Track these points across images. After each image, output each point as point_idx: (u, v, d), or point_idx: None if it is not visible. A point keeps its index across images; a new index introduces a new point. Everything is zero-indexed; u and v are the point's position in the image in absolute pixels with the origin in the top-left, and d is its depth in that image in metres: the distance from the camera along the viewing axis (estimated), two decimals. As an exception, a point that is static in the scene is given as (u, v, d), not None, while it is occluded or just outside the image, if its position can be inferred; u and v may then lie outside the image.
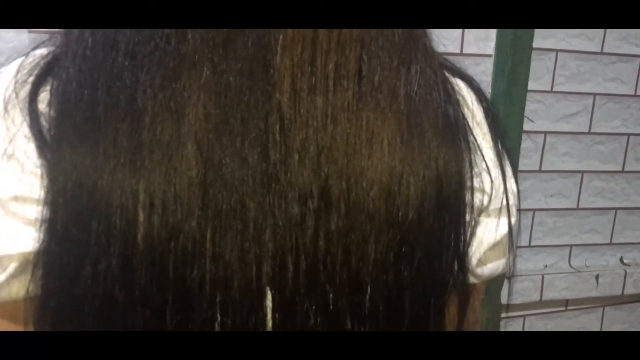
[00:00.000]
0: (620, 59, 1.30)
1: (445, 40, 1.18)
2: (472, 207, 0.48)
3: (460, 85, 0.52)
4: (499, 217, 0.50)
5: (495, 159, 0.51)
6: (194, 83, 0.39)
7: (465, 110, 0.50)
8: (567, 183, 1.35)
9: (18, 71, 0.43)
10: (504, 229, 0.51)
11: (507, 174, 0.51)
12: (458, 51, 1.20)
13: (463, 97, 0.51)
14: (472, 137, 0.49)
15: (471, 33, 1.20)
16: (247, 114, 0.39)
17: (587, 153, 1.34)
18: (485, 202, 0.49)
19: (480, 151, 0.50)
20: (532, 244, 1.36)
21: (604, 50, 1.28)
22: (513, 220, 0.51)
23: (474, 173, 0.48)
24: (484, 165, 0.49)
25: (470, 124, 0.50)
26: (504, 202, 0.50)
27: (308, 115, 0.40)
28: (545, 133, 1.30)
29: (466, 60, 1.21)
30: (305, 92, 0.40)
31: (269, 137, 0.40)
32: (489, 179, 0.49)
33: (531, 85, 1.24)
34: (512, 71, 1.20)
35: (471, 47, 1.20)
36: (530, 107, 1.26)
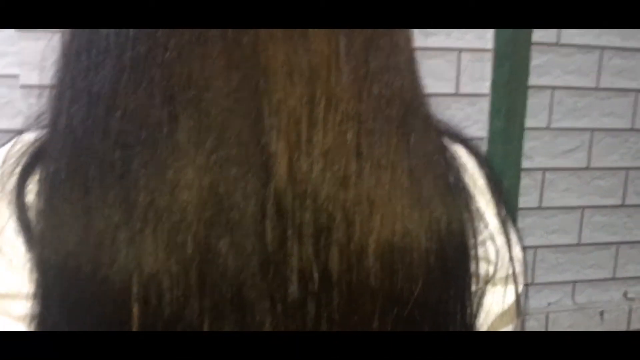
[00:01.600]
0: (616, 94, 1.29)
1: (441, 80, 1.18)
2: (477, 277, 0.47)
3: (460, 152, 0.51)
4: (506, 286, 0.49)
5: (500, 226, 0.50)
6: (188, 171, 0.37)
7: (467, 178, 0.49)
8: (567, 219, 1.33)
9: (4, 161, 0.41)
10: (511, 297, 0.49)
11: (512, 240, 0.50)
12: (454, 91, 1.19)
13: (464, 164, 0.50)
14: (474, 205, 0.48)
15: (466, 73, 1.19)
16: (243, 201, 0.38)
17: (587, 188, 1.33)
18: (491, 272, 0.48)
19: (484, 219, 0.48)
20: (535, 281, 1.34)
21: (600, 86, 1.28)
22: (520, 287, 0.50)
23: (478, 242, 0.47)
24: (488, 233, 0.48)
25: (472, 191, 0.49)
26: (510, 270, 0.49)
27: (306, 196, 0.39)
28: (544, 170, 1.29)
29: (462, 100, 1.20)
30: (302, 174, 0.39)
31: (266, 223, 0.38)
32: (493, 247, 0.48)
33: (528, 123, 1.23)
34: (509, 110, 1.20)
35: (467, 87, 1.20)
36: (528, 144, 1.25)
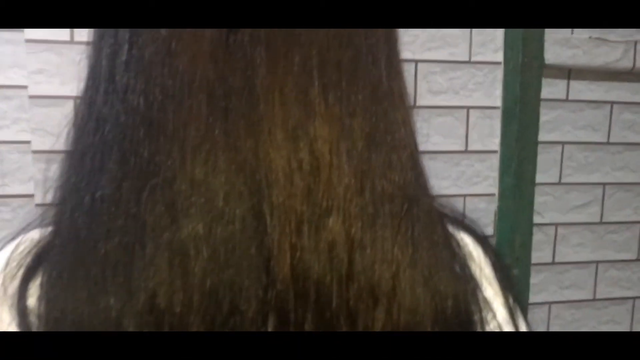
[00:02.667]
0: (627, 148, 1.29)
1: (450, 137, 1.18)
2: None
3: (465, 240, 0.50)
4: None
5: (508, 316, 0.49)
6: (189, 274, 0.37)
7: (474, 267, 0.48)
8: (582, 274, 1.31)
9: (7, 263, 0.41)
10: None
11: (520, 330, 0.49)
12: (463, 148, 1.19)
13: (470, 252, 0.49)
14: (482, 295, 0.47)
15: (475, 130, 1.19)
16: (245, 304, 0.38)
17: (600, 243, 1.31)
18: None
19: (492, 309, 0.48)
20: (550, 338, 1.31)
21: (611, 140, 1.27)
22: None
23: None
24: (496, 323, 0.47)
25: (480, 280, 0.48)
26: None
27: (308, 296, 0.39)
28: (557, 225, 1.28)
29: (472, 156, 1.20)
30: (305, 271, 0.39)
31: (268, 325, 0.38)
32: None
33: (539, 178, 1.22)
34: (519, 166, 1.19)
35: (476, 143, 1.20)
36: (539, 199, 1.24)
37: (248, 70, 0.39)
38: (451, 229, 0.49)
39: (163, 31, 0.39)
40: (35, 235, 0.44)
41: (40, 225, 0.45)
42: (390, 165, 0.43)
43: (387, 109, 0.43)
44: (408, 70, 1.14)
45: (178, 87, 0.39)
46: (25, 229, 0.45)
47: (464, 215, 0.54)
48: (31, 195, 0.98)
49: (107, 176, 0.39)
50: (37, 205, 0.98)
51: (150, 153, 0.39)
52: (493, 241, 1.24)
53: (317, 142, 0.40)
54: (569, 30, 1.20)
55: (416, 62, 1.14)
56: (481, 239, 0.52)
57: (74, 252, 0.39)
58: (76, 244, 0.40)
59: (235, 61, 0.39)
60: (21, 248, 0.43)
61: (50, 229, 0.43)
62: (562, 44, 1.18)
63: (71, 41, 0.96)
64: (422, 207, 0.45)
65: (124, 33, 0.40)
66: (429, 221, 0.45)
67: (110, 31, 0.41)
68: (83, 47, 0.95)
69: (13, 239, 0.45)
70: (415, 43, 1.14)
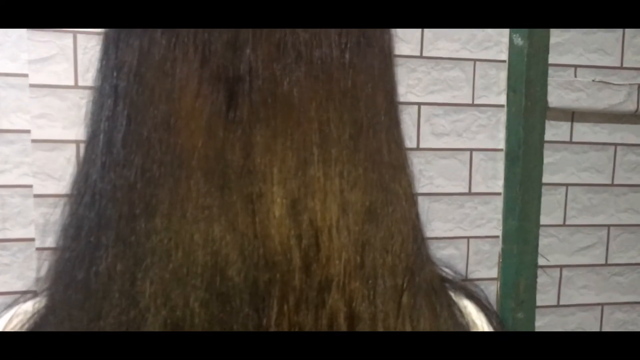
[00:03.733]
0: (631, 190, 1.28)
1: (454, 180, 1.18)
2: None
3: (468, 308, 0.49)
4: None
5: None
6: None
7: None
8: (587, 317, 1.30)
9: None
10: None
11: None
12: (467, 191, 1.19)
13: (473, 321, 0.48)
14: None
15: (479, 172, 1.19)
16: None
17: (605, 285, 1.29)
18: None
19: None
20: (556, 382, 1.29)
21: (615, 182, 1.27)
22: None
23: None
24: None
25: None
26: None
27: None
28: (561, 267, 1.26)
29: (475, 199, 1.19)
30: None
31: None
32: None
33: (543, 220, 1.21)
34: (523, 209, 1.18)
35: (479, 186, 1.19)
36: (543, 241, 1.23)
37: (247, 148, 0.38)
38: (454, 296, 0.49)
39: (162, 106, 0.38)
40: (29, 307, 0.43)
41: (34, 297, 0.44)
42: (392, 238, 0.42)
43: (387, 181, 0.43)
44: (411, 113, 1.14)
45: (176, 163, 0.38)
46: (18, 300, 0.44)
47: (466, 279, 0.53)
48: (32, 239, 0.97)
49: (102, 253, 0.39)
50: (38, 249, 0.97)
51: (147, 231, 0.38)
52: (497, 284, 1.22)
53: (317, 218, 0.39)
54: (572, 73, 1.20)
55: (419, 104, 1.14)
56: (484, 306, 0.51)
57: (68, 327, 0.39)
58: (70, 323, 0.39)
59: (234, 138, 0.38)
60: (15, 322, 0.42)
61: (44, 301, 0.42)
62: (565, 87, 1.18)
63: (75, 86, 0.96)
64: (423, 277, 0.44)
65: (123, 108, 0.40)
66: (431, 291, 0.44)
67: (109, 103, 0.40)
68: (87, 91, 0.95)
69: (7, 309, 0.44)
70: (418, 86, 1.14)
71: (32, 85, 0.95)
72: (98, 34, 0.95)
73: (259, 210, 0.38)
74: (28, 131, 0.96)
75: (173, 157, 0.38)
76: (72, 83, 0.96)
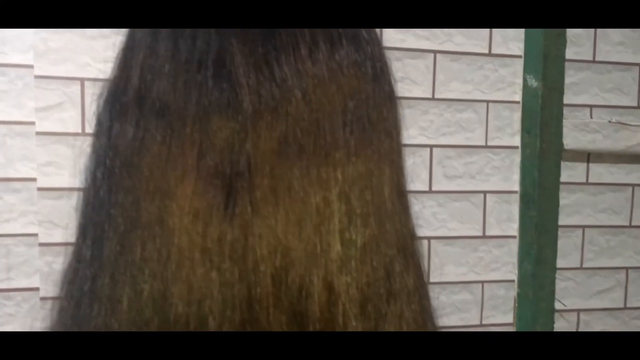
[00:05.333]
0: (650, 231, 1.25)
1: (467, 223, 1.15)
2: None
3: None
4: None
5: None
6: None
7: None
8: (606, 362, 1.25)
9: None
10: None
11: None
12: (481, 234, 1.16)
13: None
14: None
15: (493, 215, 1.16)
16: None
17: (625, 329, 1.26)
18: None
19: None
20: None
21: (633, 223, 1.24)
22: None
23: None
24: None
25: None
26: None
27: None
28: (579, 311, 1.23)
29: (489, 242, 1.16)
30: None
31: None
32: None
33: (559, 263, 1.18)
34: (539, 252, 1.15)
35: (494, 229, 1.16)
36: (560, 285, 1.20)
37: (248, 238, 0.36)
38: None
39: (156, 202, 0.36)
40: None
41: None
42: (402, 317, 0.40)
43: (393, 257, 0.40)
44: (423, 156, 1.12)
45: (175, 250, 0.36)
46: None
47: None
48: (36, 289, 0.95)
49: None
50: (42, 298, 0.95)
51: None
52: (512, 329, 1.19)
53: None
54: (588, 113, 1.18)
55: (431, 147, 1.12)
56: None
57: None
58: None
59: (233, 229, 0.36)
60: None
61: None
62: (581, 129, 1.15)
63: (82, 133, 0.95)
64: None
65: (119, 192, 0.38)
66: None
67: (105, 187, 0.39)
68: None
69: None
70: (430, 128, 1.12)
71: (38, 133, 0.94)
72: (106, 80, 0.94)
73: (258, 296, 0.36)
74: (34, 179, 0.94)
75: (171, 243, 0.36)
76: (79, 130, 0.95)
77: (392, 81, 0.40)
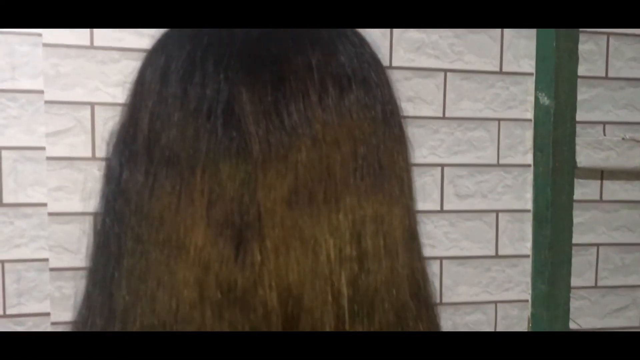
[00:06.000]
0: (666, 248, 1.23)
1: (480, 243, 1.14)
2: None
3: None
4: None
5: None
6: None
7: None
8: (622, 382, 1.23)
9: None
10: None
11: None
12: (493, 254, 1.15)
13: None
14: None
15: (505, 234, 1.15)
16: None
17: (641, 348, 1.23)
18: None
19: None
20: None
21: (648, 241, 1.22)
22: None
23: None
24: None
25: None
26: None
27: None
28: (594, 331, 1.21)
29: (502, 262, 1.15)
30: None
31: None
32: None
33: (573, 282, 1.16)
34: (553, 271, 1.13)
35: (506, 248, 1.15)
36: (574, 304, 1.18)
37: (259, 288, 0.36)
38: None
39: (165, 252, 0.36)
40: None
41: None
42: None
43: (405, 302, 0.39)
44: (434, 175, 1.11)
45: (185, 301, 0.36)
46: None
47: None
48: (47, 314, 0.95)
49: None
50: (53, 323, 0.95)
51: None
52: (527, 350, 1.17)
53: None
54: (601, 130, 1.17)
55: (442, 166, 1.11)
56: None
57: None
58: None
59: (243, 280, 0.36)
60: None
61: None
62: (594, 147, 1.14)
63: (92, 157, 0.95)
64: None
65: (129, 240, 0.37)
66: None
67: (114, 234, 0.38)
68: (104, 163, 0.93)
69: None
70: (441, 147, 1.11)
71: (49, 158, 0.94)
72: (116, 104, 0.94)
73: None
74: (45, 204, 0.94)
75: (177, 305, 0.36)
76: (89, 155, 0.95)
77: (403, 123, 0.40)
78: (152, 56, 0.39)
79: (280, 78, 0.35)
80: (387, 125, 0.38)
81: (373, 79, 0.38)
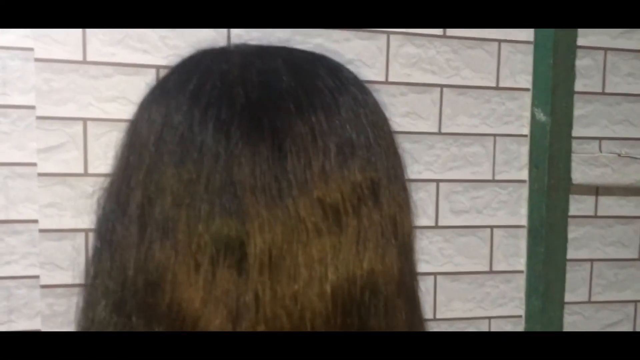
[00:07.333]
0: (659, 263, 1.23)
1: (474, 258, 1.13)
2: None
3: None
4: None
5: None
6: None
7: None
8: (614, 396, 1.24)
9: None
10: None
11: None
12: (487, 269, 1.14)
13: None
14: None
15: (500, 249, 1.15)
16: None
17: (633, 363, 1.24)
18: None
19: None
20: None
21: (642, 256, 1.22)
22: None
23: None
24: None
25: None
26: None
27: None
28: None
29: (496, 277, 1.15)
30: None
31: None
32: None
33: (567, 297, 1.16)
34: (547, 287, 1.13)
35: (501, 264, 1.15)
36: (568, 319, 1.18)
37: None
38: None
39: (163, 322, 0.35)
40: None
41: None
42: None
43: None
44: (429, 191, 1.11)
45: None
46: None
47: None
48: (37, 332, 0.94)
49: None
50: (44, 340, 0.94)
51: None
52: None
53: None
54: (597, 145, 1.16)
55: (437, 181, 1.11)
56: None
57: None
58: None
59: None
60: None
61: None
62: (589, 163, 1.14)
63: (85, 174, 0.94)
64: None
65: (117, 304, 0.36)
66: None
67: (101, 295, 0.37)
68: (96, 179, 0.91)
69: None
70: (437, 163, 1.10)
71: (40, 174, 0.93)
72: (109, 120, 0.92)
73: None
74: (36, 221, 0.93)
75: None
76: (81, 171, 0.94)
77: (407, 185, 0.39)
78: (148, 110, 0.37)
79: (281, 149, 0.33)
80: (391, 189, 0.36)
81: (376, 142, 0.36)
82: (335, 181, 0.33)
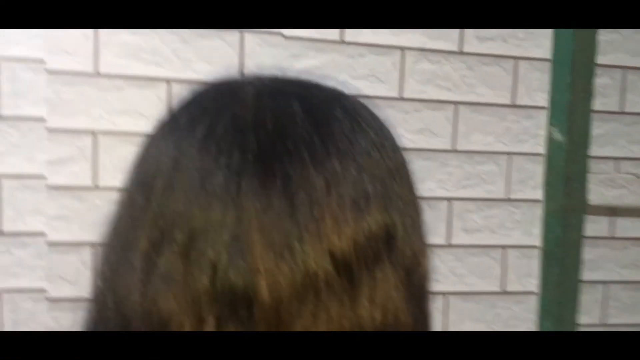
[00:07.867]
0: (676, 287, 1.20)
1: (486, 278, 1.12)
2: None
3: None
4: None
5: None
6: None
7: None
8: (627, 421, 1.21)
9: None
10: None
11: None
12: (499, 290, 1.12)
13: None
14: None
15: (513, 270, 1.13)
16: None
17: (647, 387, 1.21)
18: None
19: None
20: None
21: (658, 279, 1.19)
22: None
23: None
24: None
25: None
26: None
27: None
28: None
29: (509, 298, 1.13)
30: None
31: None
32: None
33: (581, 319, 1.14)
34: (560, 310, 1.11)
35: (513, 285, 1.13)
36: (580, 342, 1.16)
37: None
38: None
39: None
40: None
41: None
42: None
43: None
44: (441, 209, 1.09)
45: None
46: None
47: None
48: (43, 345, 0.93)
49: None
50: (49, 354, 0.93)
51: None
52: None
53: None
54: (614, 167, 1.14)
55: (450, 200, 1.09)
56: None
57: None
58: None
59: None
60: None
61: None
62: (606, 184, 1.12)
63: (94, 187, 0.93)
64: None
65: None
66: None
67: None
68: (106, 192, 0.90)
69: None
70: (450, 181, 1.09)
71: (49, 187, 0.92)
72: (119, 133, 0.91)
73: None
74: (44, 233, 0.92)
75: None
76: (90, 184, 0.93)
77: (424, 235, 0.37)
78: (157, 148, 0.36)
79: (293, 202, 0.32)
80: (407, 238, 0.35)
81: (393, 190, 0.34)
82: (348, 233, 0.32)
